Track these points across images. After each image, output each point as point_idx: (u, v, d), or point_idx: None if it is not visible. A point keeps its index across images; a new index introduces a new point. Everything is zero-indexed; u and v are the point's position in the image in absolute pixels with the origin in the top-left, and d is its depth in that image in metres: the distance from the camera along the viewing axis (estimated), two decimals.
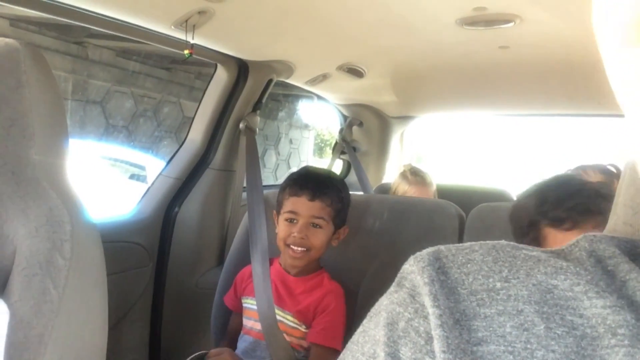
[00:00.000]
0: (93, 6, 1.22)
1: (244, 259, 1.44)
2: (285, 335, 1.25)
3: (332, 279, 1.30)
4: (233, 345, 1.37)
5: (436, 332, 0.29)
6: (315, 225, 1.24)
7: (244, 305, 1.36)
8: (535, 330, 0.28)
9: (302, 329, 1.25)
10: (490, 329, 0.29)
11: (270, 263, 1.36)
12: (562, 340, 0.28)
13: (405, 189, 2.02)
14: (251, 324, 1.32)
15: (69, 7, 1.20)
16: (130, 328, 1.70)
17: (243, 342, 1.33)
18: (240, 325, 1.37)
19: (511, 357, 0.28)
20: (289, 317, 1.26)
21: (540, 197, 1.05)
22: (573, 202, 0.98)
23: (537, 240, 1.03)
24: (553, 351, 0.27)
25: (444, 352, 0.28)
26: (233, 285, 1.42)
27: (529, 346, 0.28)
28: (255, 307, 1.31)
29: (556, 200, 1.01)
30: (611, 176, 1.55)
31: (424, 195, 1.96)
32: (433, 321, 0.30)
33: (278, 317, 1.27)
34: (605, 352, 0.27)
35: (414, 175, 2.05)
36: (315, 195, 1.24)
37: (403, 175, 2.08)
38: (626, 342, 0.26)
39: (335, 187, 1.29)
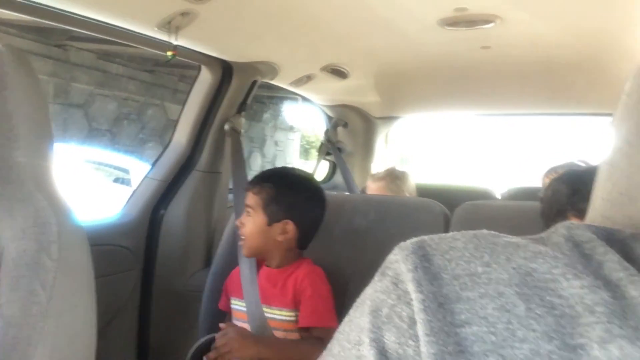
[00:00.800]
0: (74, 8, 1.22)
1: (232, 261, 1.44)
2: (277, 332, 1.26)
3: (312, 264, 1.31)
4: None
5: (419, 316, 0.30)
6: (247, 213, 1.30)
7: (232, 306, 1.36)
8: (516, 311, 0.29)
9: (293, 318, 1.25)
10: (473, 311, 0.30)
11: (260, 265, 1.36)
12: (542, 319, 0.29)
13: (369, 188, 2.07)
14: (239, 324, 1.32)
15: (49, 9, 1.19)
16: (118, 331, 1.69)
17: None
18: None
19: (493, 337, 0.29)
20: (277, 312, 1.27)
21: (572, 188, 1.11)
22: None
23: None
24: (533, 330, 0.28)
25: (427, 334, 0.29)
26: (224, 290, 1.42)
27: (510, 326, 0.29)
28: (243, 309, 1.31)
29: (587, 193, 1.05)
30: None
31: (379, 191, 1.99)
32: (416, 306, 0.31)
33: (268, 315, 1.27)
34: (584, 329, 0.28)
35: (374, 174, 2.12)
36: (247, 186, 1.33)
37: None
38: (604, 318, 0.28)
39: (270, 177, 1.31)
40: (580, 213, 1.06)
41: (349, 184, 2.51)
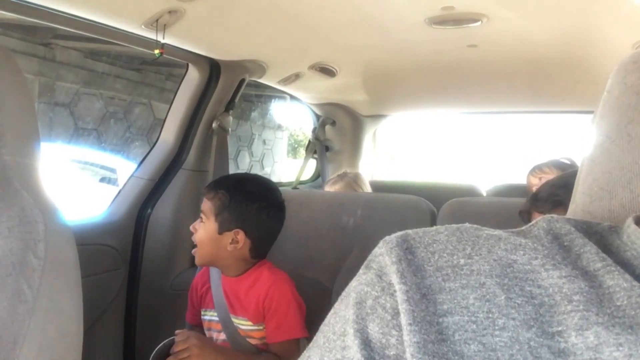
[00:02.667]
0: (60, 6, 1.21)
1: None
2: (252, 340, 1.24)
3: (274, 268, 1.26)
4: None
5: (403, 307, 0.31)
6: (201, 219, 1.26)
7: (203, 317, 1.34)
8: (497, 300, 0.30)
9: (261, 327, 1.24)
10: (455, 301, 0.31)
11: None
12: (521, 308, 0.30)
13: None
14: (215, 335, 1.30)
15: (35, 6, 1.18)
16: (104, 331, 1.68)
17: None
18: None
19: (474, 326, 0.30)
20: (243, 322, 1.25)
21: (545, 185, 1.16)
22: (563, 190, 1.08)
23: (528, 220, 1.15)
24: (513, 319, 0.29)
25: (410, 324, 0.30)
26: (189, 302, 1.39)
27: (490, 315, 0.30)
28: (215, 318, 1.29)
29: (549, 187, 1.12)
30: (565, 169, 1.66)
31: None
32: (400, 296, 0.31)
33: (236, 325, 1.25)
34: (562, 318, 0.29)
35: (329, 179, 2.24)
36: (203, 191, 1.30)
37: None
38: (581, 307, 0.29)
39: (225, 184, 1.27)
40: (538, 203, 1.11)
41: (324, 182, 2.54)
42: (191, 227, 1.27)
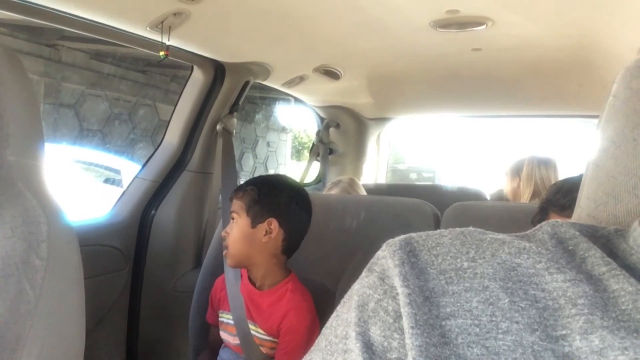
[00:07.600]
0: (66, 7, 1.21)
1: (222, 262, 1.44)
2: (263, 348, 1.25)
3: (296, 290, 1.26)
4: (214, 356, 1.37)
5: (405, 310, 0.31)
6: (232, 220, 1.28)
7: (220, 319, 1.35)
8: (500, 304, 0.30)
9: (275, 340, 1.24)
10: (458, 304, 0.31)
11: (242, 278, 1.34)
12: (525, 312, 0.29)
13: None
14: (230, 338, 1.31)
15: (42, 8, 1.18)
16: (107, 332, 1.68)
17: (225, 353, 1.33)
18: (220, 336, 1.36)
19: (477, 329, 0.29)
20: (260, 331, 1.26)
21: (558, 186, 1.20)
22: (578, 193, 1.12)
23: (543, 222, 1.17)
24: (517, 322, 0.29)
25: (412, 327, 0.30)
26: (210, 302, 1.41)
27: (494, 319, 0.30)
28: (231, 322, 1.30)
29: (567, 190, 1.15)
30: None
31: None
32: (402, 299, 0.31)
33: (251, 331, 1.26)
34: (566, 321, 0.29)
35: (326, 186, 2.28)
36: (232, 194, 1.32)
37: None
38: (585, 310, 0.28)
39: (253, 182, 1.31)
40: (557, 207, 1.14)
41: (324, 185, 2.54)
42: (223, 233, 1.30)
